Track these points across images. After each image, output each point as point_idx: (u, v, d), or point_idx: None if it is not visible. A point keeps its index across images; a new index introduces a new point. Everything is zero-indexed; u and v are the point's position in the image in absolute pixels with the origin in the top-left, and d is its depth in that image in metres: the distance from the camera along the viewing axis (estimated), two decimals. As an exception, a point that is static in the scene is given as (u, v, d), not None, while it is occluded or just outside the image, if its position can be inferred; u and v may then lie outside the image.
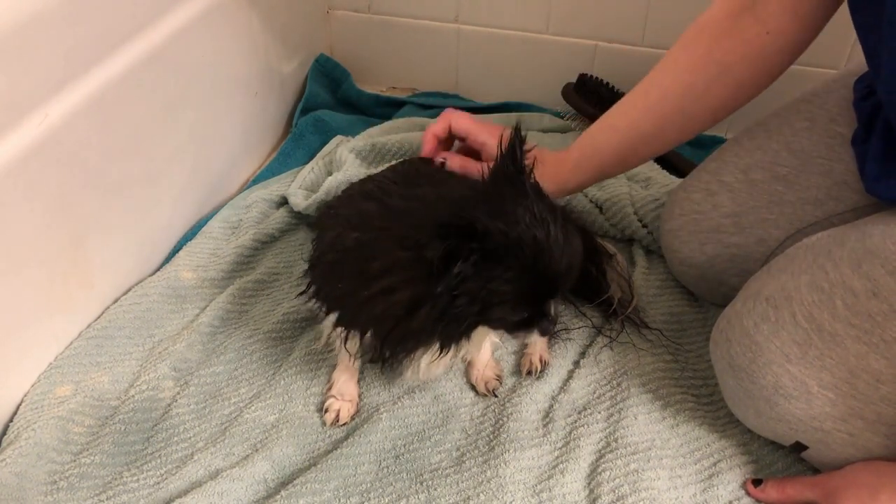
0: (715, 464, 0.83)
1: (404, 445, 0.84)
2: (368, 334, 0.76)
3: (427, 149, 0.96)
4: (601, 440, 0.85)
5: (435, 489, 0.80)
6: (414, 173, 0.85)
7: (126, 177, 0.97)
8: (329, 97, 1.45)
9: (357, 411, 0.88)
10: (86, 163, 0.89)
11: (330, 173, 1.19)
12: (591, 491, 0.80)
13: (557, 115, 1.39)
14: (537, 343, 0.93)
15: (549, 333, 0.76)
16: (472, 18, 1.41)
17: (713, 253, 0.95)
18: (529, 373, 0.92)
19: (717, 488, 0.80)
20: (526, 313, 0.72)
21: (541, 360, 0.93)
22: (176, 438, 0.85)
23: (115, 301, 0.99)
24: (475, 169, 0.91)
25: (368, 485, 0.80)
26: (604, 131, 0.94)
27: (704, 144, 1.32)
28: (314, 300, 0.82)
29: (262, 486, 0.80)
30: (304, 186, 1.18)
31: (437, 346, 0.72)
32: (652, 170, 1.21)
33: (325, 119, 1.35)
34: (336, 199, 0.92)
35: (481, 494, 0.79)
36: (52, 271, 0.88)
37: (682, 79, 0.88)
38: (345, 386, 0.88)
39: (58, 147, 0.84)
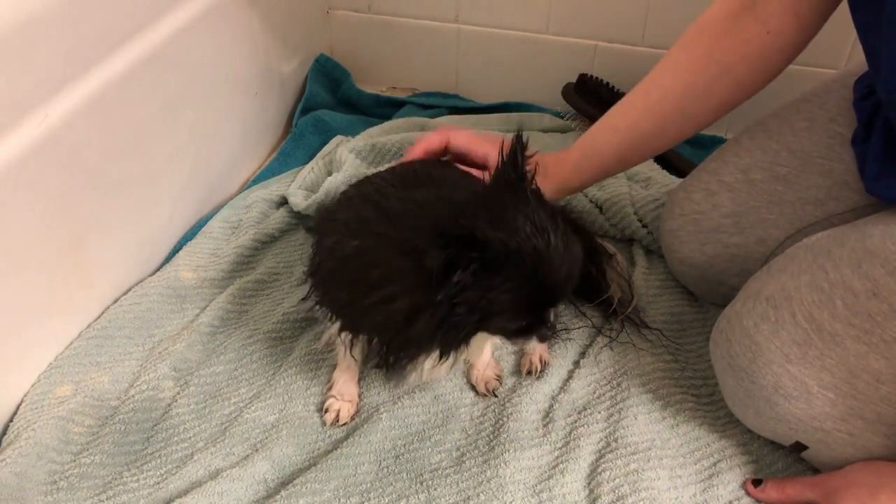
0: (715, 464, 0.83)
1: (404, 445, 0.84)
2: (375, 340, 0.76)
3: (413, 155, 0.95)
4: (601, 440, 0.85)
5: (435, 489, 0.80)
6: (412, 175, 0.85)
7: (126, 177, 0.97)
8: (329, 97, 1.45)
9: (357, 411, 0.88)
10: (86, 163, 0.89)
11: (330, 173, 1.19)
12: (591, 491, 0.80)
13: (557, 115, 1.39)
14: (537, 344, 0.93)
15: (548, 340, 0.76)
16: (472, 18, 1.41)
17: (713, 253, 0.95)
18: (529, 373, 0.92)
19: (717, 488, 0.80)
20: (525, 321, 0.72)
21: (541, 360, 0.93)
22: (176, 438, 0.85)
23: (115, 301, 0.99)
24: (479, 151, 0.91)
25: (368, 485, 0.80)
26: (604, 131, 0.94)
27: (704, 144, 1.32)
28: (318, 306, 0.82)
29: (262, 486, 0.80)
30: (304, 186, 1.18)
31: (437, 352, 0.72)
32: (652, 170, 1.21)
33: (325, 119, 1.35)
34: (334, 203, 0.91)
35: (481, 494, 0.79)
36: (52, 271, 0.88)
37: (682, 79, 0.88)
38: (345, 386, 0.88)
39: (58, 147, 0.84)
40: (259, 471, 0.80)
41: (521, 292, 0.67)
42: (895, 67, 0.70)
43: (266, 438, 0.84)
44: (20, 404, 0.86)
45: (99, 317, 0.96)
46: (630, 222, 1.11)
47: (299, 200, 1.13)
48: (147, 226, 1.04)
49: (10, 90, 0.77)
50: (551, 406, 0.89)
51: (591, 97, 1.33)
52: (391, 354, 0.73)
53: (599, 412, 0.88)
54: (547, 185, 0.93)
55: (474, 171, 0.91)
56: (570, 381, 0.92)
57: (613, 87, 1.33)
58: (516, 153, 0.69)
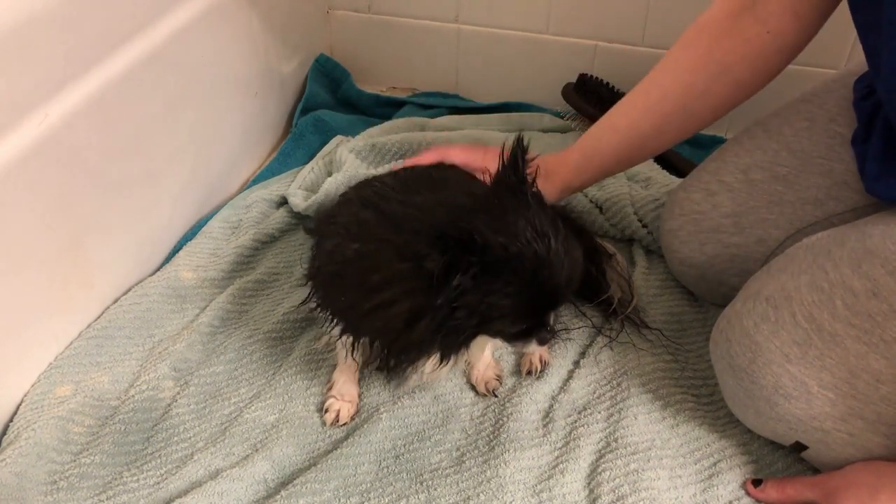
0: (715, 464, 0.83)
1: (404, 445, 0.84)
2: (376, 343, 0.76)
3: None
4: (601, 440, 0.85)
5: (435, 489, 0.80)
6: (413, 179, 0.84)
7: (126, 177, 0.97)
8: (329, 97, 1.45)
9: (357, 411, 0.88)
10: (86, 163, 0.89)
11: (330, 173, 1.19)
12: (591, 491, 0.80)
13: (557, 115, 1.39)
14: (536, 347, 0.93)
15: (548, 343, 0.76)
16: (472, 18, 1.41)
17: (713, 253, 0.95)
18: (529, 373, 0.92)
19: (717, 488, 0.80)
20: (525, 325, 0.72)
21: (541, 360, 0.93)
22: (176, 438, 0.85)
23: (115, 301, 0.99)
24: (476, 163, 0.92)
25: (368, 485, 0.80)
26: (605, 131, 0.94)
27: (704, 144, 1.32)
28: (318, 309, 0.82)
29: (262, 486, 0.80)
30: (304, 187, 1.18)
31: (437, 355, 0.72)
32: (652, 170, 1.21)
33: (325, 119, 1.35)
34: (334, 206, 0.91)
35: (481, 494, 0.79)
36: (52, 271, 0.88)
37: (682, 78, 0.88)
38: (345, 386, 0.88)
39: (58, 147, 0.84)
40: (259, 471, 0.80)
41: (521, 296, 0.67)
42: (895, 67, 0.70)
43: (266, 438, 0.84)
44: (20, 404, 0.86)
45: (99, 317, 0.96)
46: (630, 222, 1.11)
47: (299, 201, 1.13)
48: (147, 226, 1.04)
49: (10, 90, 0.77)
50: (551, 406, 0.89)
51: (591, 97, 1.33)
52: (392, 357, 0.73)
53: (599, 412, 0.88)
54: (548, 186, 0.93)
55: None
56: (570, 381, 0.92)
57: (613, 87, 1.33)
58: (517, 157, 0.69)
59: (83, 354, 0.91)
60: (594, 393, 0.91)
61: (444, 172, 0.89)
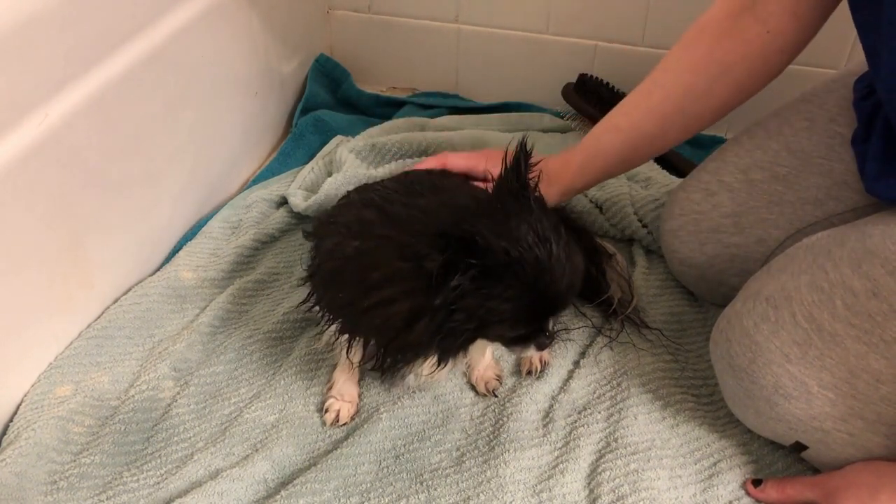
0: (715, 464, 0.83)
1: (404, 445, 0.84)
2: (372, 342, 0.76)
3: None
4: (601, 440, 0.85)
5: (435, 489, 0.80)
6: (416, 183, 0.84)
7: (126, 177, 0.97)
8: (329, 97, 1.45)
9: (357, 411, 0.88)
10: (86, 163, 0.89)
11: (330, 173, 1.19)
12: (591, 491, 0.80)
13: (557, 115, 1.39)
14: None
15: (546, 348, 0.76)
16: (472, 18, 1.41)
17: (713, 253, 0.95)
18: (529, 373, 0.92)
19: (717, 488, 0.80)
20: (524, 330, 0.72)
21: (541, 361, 0.93)
22: (176, 438, 0.85)
23: (115, 301, 0.99)
24: (478, 168, 0.92)
25: (368, 485, 0.80)
26: (607, 132, 0.94)
27: (704, 144, 1.32)
28: (316, 308, 0.82)
29: (262, 486, 0.80)
30: (304, 187, 1.18)
31: (435, 357, 0.72)
32: (652, 170, 1.21)
33: (325, 119, 1.35)
34: (333, 208, 0.91)
35: (481, 494, 0.79)
36: (52, 271, 0.88)
37: (683, 79, 0.88)
38: (345, 386, 0.88)
39: (58, 147, 0.84)
40: (259, 471, 0.80)
41: (521, 302, 0.67)
42: (895, 67, 0.70)
43: (266, 438, 0.84)
44: (20, 404, 0.86)
45: (99, 317, 0.96)
46: (630, 222, 1.11)
47: (299, 201, 1.13)
48: (147, 226, 1.04)
49: (10, 90, 0.77)
50: (551, 406, 0.89)
51: (591, 97, 1.33)
52: (388, 357, 0.73)
53: (599, 412, 0.88)
54: (550, 188, 0.93)
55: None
56: (570, 381, 0.92)
57: (613, 87, 1.33)
58: (520, 161, 0.69)
59: (83, 354, 0.91)
60: (594, 393, 0.91)
61: (447, 180, 0.89)
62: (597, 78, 1.34)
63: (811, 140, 0.89)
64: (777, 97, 0.93)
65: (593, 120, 1.32)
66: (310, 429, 0.86)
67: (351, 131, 1.32)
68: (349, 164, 1.16)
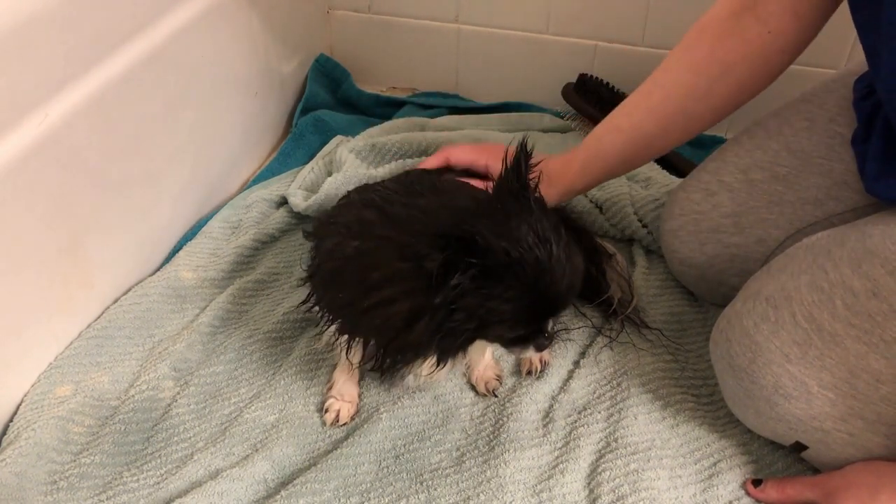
0: (715, 464, 0.83)
1: (404, 445, 0.84)
2: (372, 343, 0.76)
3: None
4: (601, 440, 0.85)
5: (435, 489, 0.80)
6: (416, 183, 0.84)
7: (126, 177, 0.97)
8: (329, 97, 1.45)
9: (357, 411, 0.88)
10: (86, 163, 0.89)
11: (330, 173, 1.19)
12: (591, 491, 0.80)
13: (557, 115, 1.39)
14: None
15: (545, 349, 0.76)
16: (472, 18, 1.41)
17: (713, 253, 0.95)
18: (529, 373, 0.92)
19: (717, 488, 0.80)
20: (523, 331, 0.72)
21: (541, 361, 0.93)
22: (176, 438, 0.85)
23: (115, 301, 0.99)
24: (480, 163, 0.92)
25: (368, 485, 0.80)
26: (608, 133, 0.94)
27: (704, 144, 1.32)
28: (317, 309, 0.82)
29: (262, 486, 0.80)
30: (304, 187, 1.18)
31: (434, 358, 0.72)
32: (652, 170, 1.21)
33: (325, 119, 1.35)
34: (334, 208, 0.91)
35: (481, 494, 0.79)
36: (52, 271, 0.88)
37: (684, 79, 0.88)
38: (345, 386, 0.88)
39: (58, 147, 0.84)
40: (259, 471, 0.80)
41: (521, 302, 0.67)
42: (895, 67, 0.70)
43: (266, 438, 0.84)
44: (20, 404, 0.86)
45: (99, 317, 0.96)
46: (630, 222, 1.11)
47: (299, 201, 1.13)
48: (147, 226, 1.04)
49: (10, 90, 0.77)
50: (551, 406, 0.89)
51: (591, 97, 1.33)
52: (388, 358, 0.73)
53: (599, 412, 0.88)
54: (552, 188, 0.93)
55: (476, 182, 0.91)
56: (570, 381, 0.92)
57: (613, 87, 1.33)
58: (520, 162, 0.69)
59: (83, 354, 0.91)
60: (594, 393, 0.91)
61: (447, 181, 0.89)
62: (597, 78, 1.34)
63: (811, 140, 0.89)
64: (777, 97, 0.93)
65: (593, 120, 1.32)
66: (310, 429, 0.86)
67: (351, 131, 1.32)
68: (349, 164, 1.16)
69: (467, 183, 0.89)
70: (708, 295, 1.01)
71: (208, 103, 1.12)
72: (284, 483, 0.80)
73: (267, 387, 0.90)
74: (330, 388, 0.89)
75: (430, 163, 0.98)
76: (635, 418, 0.87)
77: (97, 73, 0.88)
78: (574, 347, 0.96)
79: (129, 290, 1.00)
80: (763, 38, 0.83)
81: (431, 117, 1.37)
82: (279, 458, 0.82)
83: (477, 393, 0.91)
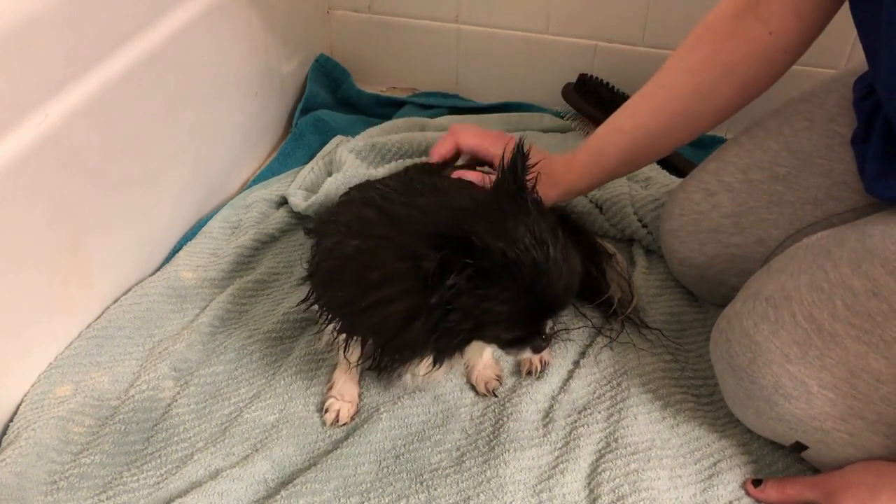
0: (715, 464, 0.83)
1: (404, 445, 0.84)
2: (370, 342, 0.76)
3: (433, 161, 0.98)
4: (601, 440, 0.85)
5: (435, 489, 0.80)
6: (417, 181, 0.84)
7: (126, 177, 0.97)
8: (329, 97, 1.45)
9: (357, 411, 0.88)
10: (86, 163, 0.89)
11: (330, 173, 1.19)
12: (591, 491, 0.80)
13: (557, 115, 1.39)
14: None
15: (542, 351, 0.76)
16: (472, 18, 1.41)
17: (713, 253, 0.95)
18: (529, 373, 0.92)
19: (717, 488, 0.80)
20: (520, 333, 0.72)
21: (541, 361, 0.93)
22: (176, 438, 0.85)
23: (115, 301, 0.99)
24: (487, 152, 0.92)
25: (368, 485, 0.80)
26: (611, 133, 0.94)
27: (704, 144, 1.32)
28: (316, 308, 0.82)
29: (262, 486, 0.80)
30: (304, 187, 1.18)
31: (431, 358, 0.72)
32: (652, 170, 1.21)
33: (325, 119, 1.35)
34: (334, 206, 0.91)
35: (481, 494, 0.79)
36: (52, 271, 0.88)
37: (687, 79, 0.88)
38: (345, 386, 0.88)
39: (58, 147, 0.84)
40: (259, 471, 0.80)
41: (517, 304, 0.67)
42: (894, 67, 0.70)
43: (266, 438, 0.84)
44: (20, 404, 0.86)
45: (99, 317, 0.96)
46: (630, 222, 1.11)
47: (299, 201, 1.13)
48: (147, 226, 1.04)
49: (10, 90, 0.77)
50: (551, 406, 0.89)
51: (591, 97, 1.33)
52: (386, 357, 0.73)
53: (599, 412, 0.88)
54: (554, 188, 0.93)
55: (473, 177, 0.92)
56: (570, 381, 0.92)
57: (613, 87, 1.33)
58: (516, 163, 0.69)
59: (83, 354, 0.91)
60: (594, 393, 0.91)
61: (447, 181, 0.89)
62: (597, 78, 1.34)
63: (811, 140, 0.89)
64: (777, 97, 0.93)
65: (593, 120, 1.32)
66: (310, 429, 0.86)
67: (351, 131, 1.32)
68: (349, 164, 1.16)
69: (468, 182, 0.89)
70: (708, 295, 1.01)
71: (208, 103, 1.12)
72: (284, 483, 0.80)
73: (267, 387, 0.90)
74: (330, 388, 0.89)
75: (441, 149, 0.98)
76: (635, 418, 0.87)
77: (97, 73, 0.88)
78: (574, 347, 0.96)
79: (129, 290, 1.00)
80: (765, 38, 0.83)
81: (431, 117, 1.37)
82: (279, 458, 0.82)
83: (477, 393, 0.91)
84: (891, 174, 0.77)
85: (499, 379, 0.91)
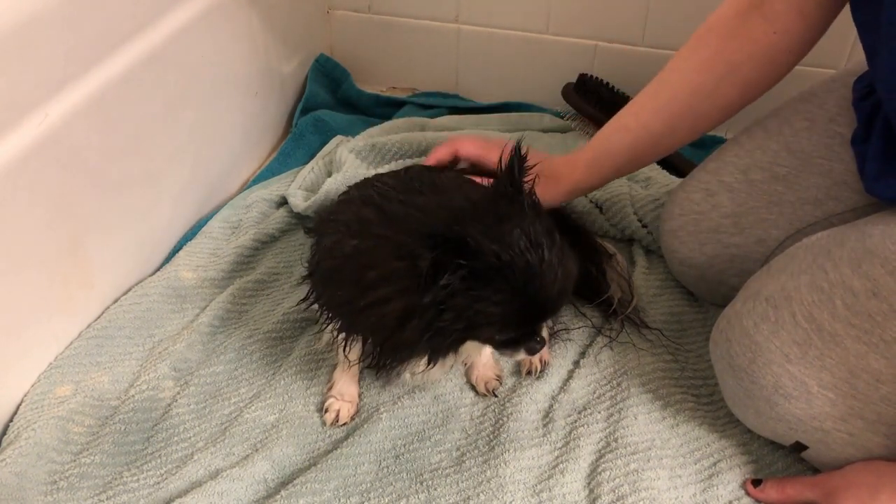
0: (715, 464, 0.83)
1: (404, 445, 0.84)
2: (369, 341, 0.76)
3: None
4: (601, 440, 0.85)
5: (435, 489, 0.80)
6: (416, 180, 0.85)
7: (126, 177, 0.97)
8: (329, 97, 1.45)
9: (357, 411, 0.88)
10: (86, 163, 0.89)
11: (330, 173, 1.19)
12: (591, 491, 0.80)
13: (557, 115, 1.39)
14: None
15: (536, 353, 0.76)
16: (472, 18, 1.41)
17: (713, 253, 0.95)
18: (529, 373, 0.92)
19: (717, 488, 0.80)
20: (513, 334, 0.72)
21: (541, 360, 0.93)
22: (176, 438, 0.85)
23: (115, 301, 0.99)
24: (492, 159, 0.92)
25: (368, 485, 0.80)
26: (616, 132, 0.94)
27: (704, 144, 1.32)
28: (316, 307, 0.82)
29: (262, 486, 0.80)
30: (304, 187, 1.18)
31: (425, 358, 0.72)
32: (652, 170, 1.21)
33: (325, 119, 1.35)
34: (334, 205, 0.91)
35: (481, 494, 0.79)
36: (52, 271, 0.88)
37: (691, 78, 0.88)
38: (345, 386, 0.88)
39: (58, 147, 0.84)
40: (259, 471, 0.80)
41: (510, 305, 0.67)
42: (894, 67, 0.70)
43: (266, 438, 0.84)
44: (20, 404, 0.86)
45: (99, 317, 0.96)
46: (630, 222, 1.11)
47: (299, 201, 1.13)
48: (147, 226, 1.04)
49: (10, 90, 0.77)
50: (551, 406, 0.89)
51: (591, 97, 1.33)
52: (384, 356, 0.74)
53: (599, 412, 0.88)
54: (557, 187, 0.93)
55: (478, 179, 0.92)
56: (570, 381, 0.92)
57: (613, 87, 1.33)
58: (513, 165, 0.69)
59: (83, 354, 0.91)
60: (594, 393, 0.91)
61: (447, 178, 0.89)
62: (597, 78, 1.34)
63: (811, 140, 0.89)
64: (777, 97, 0.93)
65: (593, 120, 1.32)
66: (310, 429, 0.86)
67: (351, 131, 1.32)
68: (349, 164, 1.16)
69: (468, 180, 0.89)
70: (708, 295, 1.01)
71: (208, 103, 1.12)
72: (284, 483, 0.80)
73: (267, 387, 0.90)
74: (330, 388, 0.89)
75: (439, 154, 0.98)
76: (635, 418, 0.87)
77: (97, 73, 0.88)
78: (574, 347, 0.96)
79: (129, 290, 1.00)
80: (769, 37, 0.83)
81: (431, 117, 1.37)
82: (279, 458, 0.82)
83: (477, 393, 0.91)
84: (891, 174, 0.77)
85: (499, 379, 0.91)
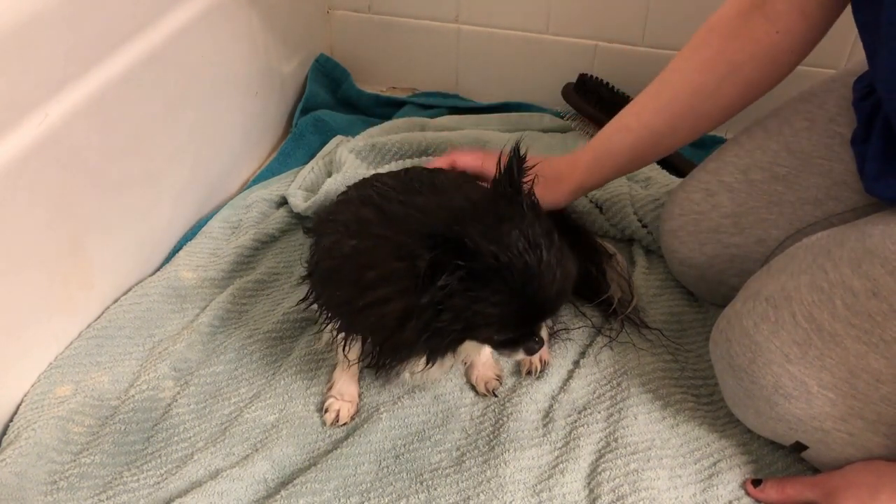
0: (715, 464, 0.83)
1: (404, 445, 0.85)
2: (368, 341, 0.76)
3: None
4: (601, 440, 0.85)
5: (435, 489, 0.80)
6: (415, 180, 0.85)
7: (126, 177, 0.97)
8: (329, 97, 1.45)
9: (357, 411, 0.88)
10: (86, 163, 0.89)
11: (330, 173, 1.19)
12: (591, 491, 0.80)
13: (557, 115, 1.39)
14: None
15: (535, 353, 0.76)
16: (472, 18, 1.41)
17: (713, 253, 0.95)
18: (529, 373, 0.92)
19: (717, 488, 0.80)
20: (512, 335, 0.72)
21: (541, 360, 0.93)
22: (176, 438, 0.85)
23: (115, 301, 0.99)
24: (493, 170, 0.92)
25: (368, 485, 0.80)
26: (617, 132, 0.94)
27: (704, 144, 1.32)
28: (316, 307, 0.82)
29: (262, 486, 0.80)
30: (304, 187, 1.18)
31: (424, 358, 0.72)
32: (652, 170, 1.21)
33: (325, 119, 1.35)
34: (333, 205, 0.91)
35: (481, 494, 0.79)
36: (52, 271, 0.88)
37: (693, 78, 0.88)
38: (345, 386, 0.88)
39: (58, 147, 0.84)
40: (259, 471, 0.80)
41: (508, 306, 0.67)
42: (894, 67, 0.70)
43: (266, 438, 0.84)
44: (20, 404, 0.86)
45: (99, 317, 0.96)
46: (630, 222, 1.11)
47: (299, 201, 1.13)
48: (147, 226, 1.04)
49: (10, 90, 0.77)
50: (551, 406, 0.89)
51: (591, 97, 1.33)
52: (383, 356, 0.74)
53: (599, 412, 0.88)
54: (560, 188, 0.94)
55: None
56: (570, 381, 0.92)
57: (613, 87, 1.34)
58: (512, 167, 0.69)
59: (83, 354, 0.91)
60: (594, 393, 0.91)
61: (446, 178, 0.89)
62: (597, 78, 1.34)
63: (811, 140, 0.89)
64: (777, 97, 0.93)
65: (593, 120, 1.32)
66: (310, 429, 0.86)
67: (351, 131, 1.32)
68: (349, 164, 1.16)
69: (468, 180, 0.89)
70: (708, 295, 1.01)
71: (208, 103, 1.12)
72: (284, 483, 0.80)
73: (267, 387, 0.90)
74: (330, 388, 0.89)
75: (436, 164, 0.98)
76: (635, 418, 0.87)
77: (97, 73, 0.88)
78: (574, 347, 0.96)
79: (129, 290, 1.00)
80: (771, 37, 0.83)
81: (431, 117, 1.37)
82: (279, 458, 0.82)
83: (477, 393, 0.91)
84: (891, 174, 0.77)
85: (499, 379, 0.91)
